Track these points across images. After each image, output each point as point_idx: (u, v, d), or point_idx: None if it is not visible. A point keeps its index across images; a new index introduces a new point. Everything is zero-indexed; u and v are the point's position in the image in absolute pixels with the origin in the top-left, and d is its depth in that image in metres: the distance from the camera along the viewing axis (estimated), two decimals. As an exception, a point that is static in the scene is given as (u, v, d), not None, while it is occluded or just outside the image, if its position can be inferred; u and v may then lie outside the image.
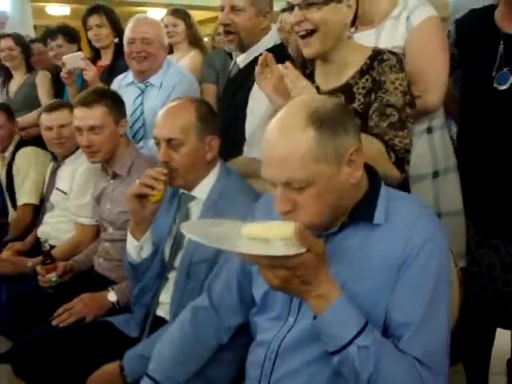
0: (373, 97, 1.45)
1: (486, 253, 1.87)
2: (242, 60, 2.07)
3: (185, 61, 3.19)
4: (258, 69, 1.55)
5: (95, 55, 3.08)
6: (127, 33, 2.39)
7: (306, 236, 0.95)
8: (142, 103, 2.39)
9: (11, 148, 2.87)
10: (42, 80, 3.47)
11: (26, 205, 2.75)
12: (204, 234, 1.02)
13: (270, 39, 2.05)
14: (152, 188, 1.51)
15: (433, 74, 1.73)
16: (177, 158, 1.58)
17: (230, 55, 2.66)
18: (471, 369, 2.07)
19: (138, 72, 2.39)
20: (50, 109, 2.41)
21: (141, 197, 1.53)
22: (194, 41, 3.30)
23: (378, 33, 1.79)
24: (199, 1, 7.63)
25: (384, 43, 1.72)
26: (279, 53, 1.93)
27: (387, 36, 1.76)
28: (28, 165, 2.77)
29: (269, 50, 1.92)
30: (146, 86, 2.41)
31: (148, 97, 2.39)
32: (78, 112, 2.02)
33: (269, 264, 0.96)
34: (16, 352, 1.75)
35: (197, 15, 3.61)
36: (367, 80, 1.47)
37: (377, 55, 1.48)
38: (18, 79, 3.57)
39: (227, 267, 1.35)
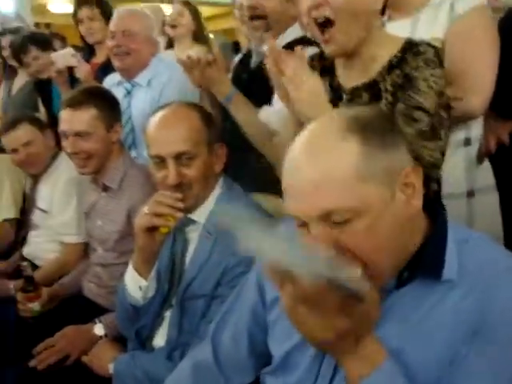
0: (400, 95, 1.18)
1: None
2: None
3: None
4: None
5: (89, 52, 2.82)
6: (109, 27, 2.16)
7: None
8: (129, 106, 2.14)
9: None
10: None
11: (5, 220, 2.45)
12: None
13: (298, 29, 1.79)
14: (165, 217, 1.24)
15: (477, 73, 1.45)
16: (190, 175, 1.30)
17: (237, 49, 2.42)
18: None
19: (121, 70, 2.15)
20: (7, 129, 2.14)
21: (152, 229, 1.25)
22: (200, 37, 3.03)
23: (414, 23, 1.52)
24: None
25: (421, 35, 1.45)
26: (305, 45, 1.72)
27: (425, 27, 1.49)
28: (1, 175, 2.46)
29: (295, 41, 1.71)
30: (133, 86, 2.16)
31: (135, 98, 2.15)
32: (64, 114, 1.76)
33: (337, 306, 0.70)
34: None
35: (203, 11, 3.34)
36: (398, 76, 1.19)
37: (411, 47, 1.20)
38: (22, 78, 3.34)
39: (235, 315, 1.08)
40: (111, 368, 1.42)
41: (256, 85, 1.68)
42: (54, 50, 2.97)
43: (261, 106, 1.58)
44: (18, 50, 3.02)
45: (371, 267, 0.77)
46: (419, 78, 1.16)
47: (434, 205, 0.88)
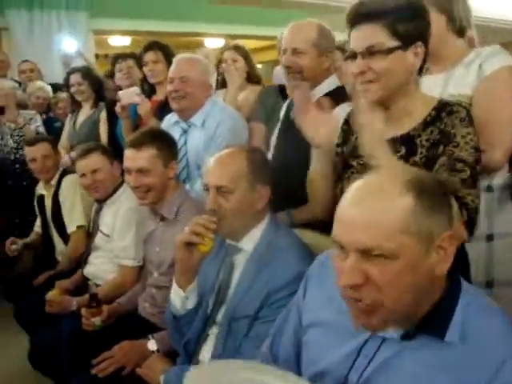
0: (440, 150, 1.33)
1: None
2: None
3: (241, 95, 3.10)
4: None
5: (150, 90, 3.11)
6: (168, 73, 2.40)
7: None
8: (185, 143, 2.36)
9: (57, 177, 2.90)
10: (105, 117, 3.43)
11: (79, 228, 2.74)
12: None
13: (333, 80, 1.98)
14: (201, 236, 1.46)
15: (500, 128, 1.58)
16: (225, 206, 1.52)
17: (283, 93, 2.61)
18: None
19: (178, 111, 2.38)
20: (80, 156, 2.43)
21: (190, 245, 1.48)
22: (253, 79, 3.20)
23: (446, 79, 1.68)
24: (253, 30, 7.71)
25: (452, 90, 1.62)
26: (340, 96, 1.87)
27: (455, 83, 1.64)
28: (74, 191, 2.78)
29: (330, 92, 1.91)
30: (189, 126, 2.38)
31: (191, 137, 2.37)
32: (128, 153, 2.01)
33: None
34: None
35: (250, 44, 3.53)
36: (432, 132, 1.34)
37: (444, 106, 1.36)
38: (86, 112, 3.58)
39: (284, 334, 1.23)
40: (162, 379, 1.62)
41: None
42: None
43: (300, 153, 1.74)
44: (118, 56, 3.22)
45: (385, 304, 0.89)
46: (457, 134, 1.30)
47: (454, 266, 0.96)
